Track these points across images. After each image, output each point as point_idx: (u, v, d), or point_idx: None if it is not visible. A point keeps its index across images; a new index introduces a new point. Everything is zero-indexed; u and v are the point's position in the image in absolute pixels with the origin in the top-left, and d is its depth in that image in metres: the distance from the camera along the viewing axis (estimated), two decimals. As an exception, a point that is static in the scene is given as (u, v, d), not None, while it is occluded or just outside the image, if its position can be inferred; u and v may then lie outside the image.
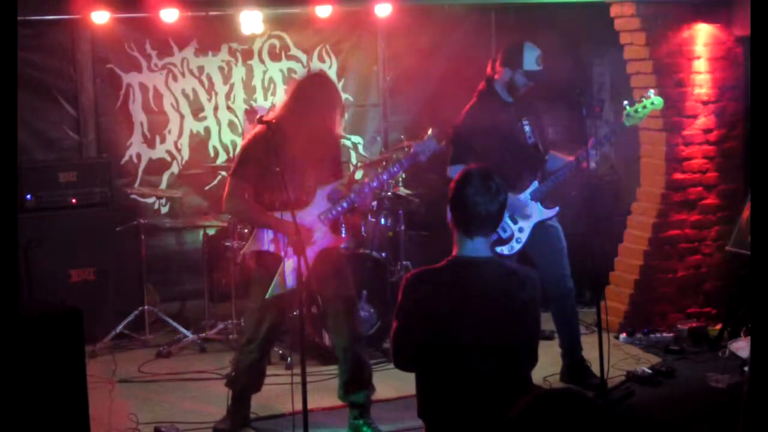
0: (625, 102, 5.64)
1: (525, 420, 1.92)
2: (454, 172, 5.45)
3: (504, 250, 5.52)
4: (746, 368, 5.64)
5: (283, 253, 4.82)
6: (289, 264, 4.82)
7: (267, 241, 4.90)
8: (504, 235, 5.52)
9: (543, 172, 5.63)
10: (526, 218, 5.56)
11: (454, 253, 3.44)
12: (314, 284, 4.65)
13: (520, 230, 5.56)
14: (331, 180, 5.00)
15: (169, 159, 7.39)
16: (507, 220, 5.53)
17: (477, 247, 3.39)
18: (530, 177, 5.59)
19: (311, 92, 4.94)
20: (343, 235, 5.20)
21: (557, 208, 5.65)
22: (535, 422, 1.91)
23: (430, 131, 5.00)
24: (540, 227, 5.60)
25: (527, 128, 5.63)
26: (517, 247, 5.55)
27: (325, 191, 4.95)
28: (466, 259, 3.40)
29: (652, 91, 5.71)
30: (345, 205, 4.95)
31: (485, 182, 3.37)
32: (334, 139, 5.11)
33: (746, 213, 6.46)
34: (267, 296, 4.87)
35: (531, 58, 5.50)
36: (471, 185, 3.36)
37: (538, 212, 5.60)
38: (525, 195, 5.56)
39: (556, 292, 5.71)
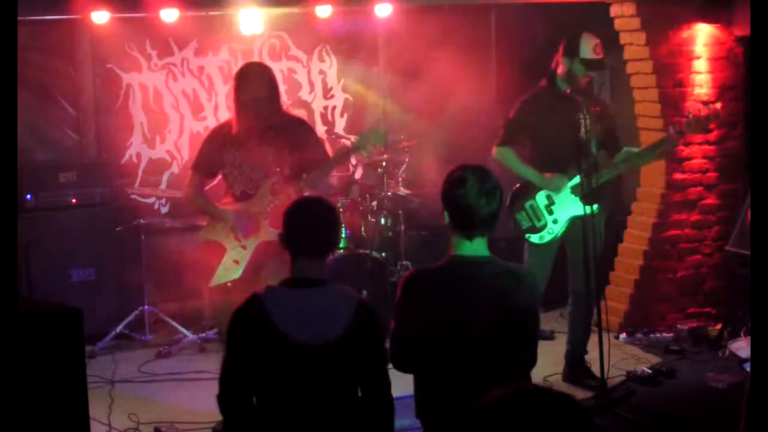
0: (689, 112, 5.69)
1: (500, 410, 1.90)
2: (499, 153, 5.61)
3: (533, 238, 5.53)
4: (746, 365, 5.65)
5: (224, 244, 5.04)
6: (231, 255, 4.94)
7: (213, 230, 5.14)
8: (537, 224, 5.54)
9: (591, 169, 5.51)
10: (562, 211, 5.54)
11: (451, 252, 3.43)
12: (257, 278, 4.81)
13: (554, 222, 5.56)
14: (305, 168, 5.10)
15: (169, 159, 7.39)
16: (543, 209, 5.55)
17: (476, 247, 3.39)
18: (576, 171, 5.54)
19: (233, 84, 5.19)
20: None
21: (596, 206, 5.52)
22: (508, 416, 1.89)
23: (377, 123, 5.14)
24: (579, 222, 5.52)
25: (584, 122, 5.58)
26: (547, 237, 5.55)
27: (269, 185, 5.04)
28: (463, 259, 3.39)
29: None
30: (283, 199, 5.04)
31: (482, 183, 3.35)
32: (284, 127, 5.15)
33: (747, 213, 6.46)
34: (211, 284, 5.09)
35: (588, 47, 5.53)
36: (469, 188, 3.34)
37: (576, 207, 5.56)
38: (566, 187, 5.54)
39: (577, 289, 5.69)
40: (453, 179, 3.39)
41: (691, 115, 5.56)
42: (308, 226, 3.35)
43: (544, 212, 5.57)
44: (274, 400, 3.24)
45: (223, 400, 3.28)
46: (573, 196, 5.55)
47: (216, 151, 5.13)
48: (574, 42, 5.57)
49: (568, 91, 5.60)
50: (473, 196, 3.32)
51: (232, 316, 3.30)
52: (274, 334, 3.17)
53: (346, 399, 3.27)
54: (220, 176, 5.34)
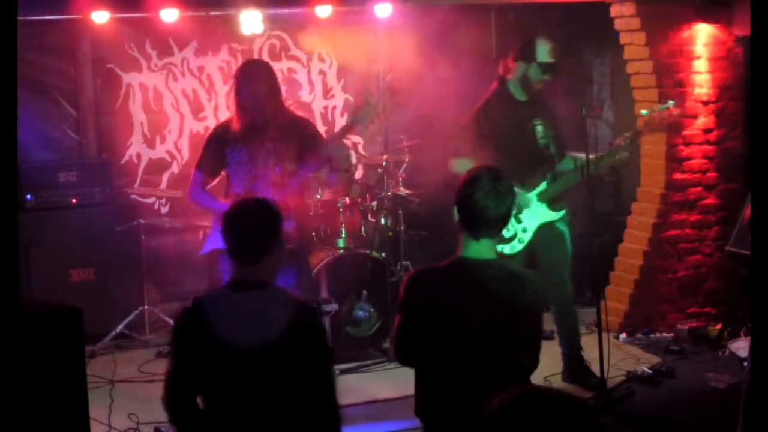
0: (643, 111, 5.67)
1: (509, 415, 1.90)
2: (459, 165, 5.49)
3: (505, 249, 5.51)
4: (746, 363, 5.64)
5: None
6: None
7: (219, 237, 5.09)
8: (506, 234, 5.51)
9: (553, 174, 5.59)
10: (530, 218, 5.55)
11: (458, 253, 3.43)
12: None
13: (524, 230, 5.55)
14: (308, 164, 5.08)
15: (169, 159, 7.39)
16: (512, 219, 5.52)
17: (482, 248, 3.39)
18: (539, 178, 5.58)
19: (234, 82, 5.20)
20: (290, 222, 5.21)
21: (563, 211, 5.62)
22: (519, 419, 1.89)
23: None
24: (545, 229, 5.58)
25: (539, 128, 5.61)
26: (518, 247, 5.54)
27: (272, 180, 5.02)
28: (469, 260, 3.40)
29: (671, 102, 5.72)
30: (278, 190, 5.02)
31: (494, 184, 3.36)
32: (286, 124, 5.14)
33: (746, 213, 6.46)
34: None
35: (544, 51, 5.56)
36: (480, 188, 3.35)
37: (544, 214, 5.59)
38: (531, 195, 5.55)
39: (555, 297, 5.71)
40: (467, 177, 3.41)
41: (646, 115, 5.57)
42: (242, 229, 3.32)
43: (513, 222, 5.54)
44: (217, 403, 3.25)
45: (166, 401, 3.31)
46: (539, 203, 5.56)
47: (218, 150, 5.14)
48: (530, 46, 5.58)
49: (524, 99, 5.61)
50: (483, 196, 3.34)
51: (175, 320, 3.34)
52: (211, 337, 3.18)
53: (289, 402, 3.25)
54: (220, 176, 5.34)
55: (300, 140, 5.14)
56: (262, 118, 5.04)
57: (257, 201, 3.47)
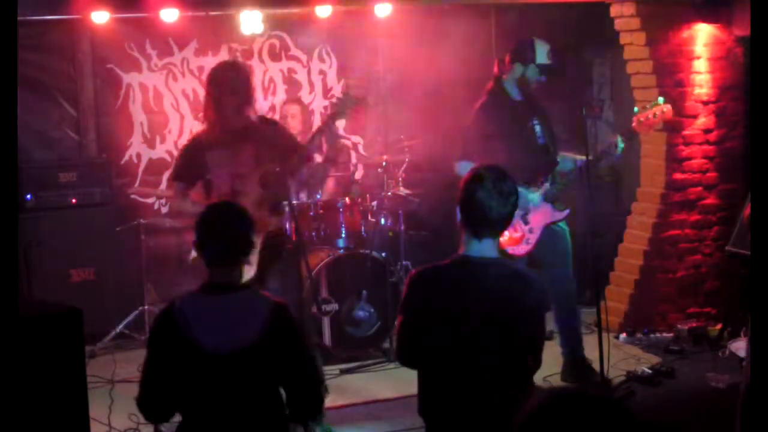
0: (635, 109, 5.66)
1: (542, 419, 1.88)
2: (463, 168, 5.49)
3: (515, 250, 5.53)
4: (744, 363, 5.65)
5: None
6: None
7: None
8: (514, 236, 5.53)
9: (555, 174, 5.61)
10: (537, 219, 5.56)
11: (460, 252, 3.43)
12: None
13: (531, 231, 5.56)
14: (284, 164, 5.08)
15: (169, 159, 7.38)
16: (519, 220, 5.53)
17: (484, 247, 3.39)
18: (542, 178, 5.59)
19: (207, 87, 5.12)
20: (284, 215, 5.16)
21: (568, 210, 5.64)
22: (554, 422, 1.87)
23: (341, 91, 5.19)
24: (548, 228, 5.60)
25: (537, 128, 5.64)
26: (526, 248, 5.55)
27: (258, 177, 4.98)
28: (471, 259, 3.39)
29: (661, 99, 5.71)
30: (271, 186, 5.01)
31: (497, 184, 3.35)
32: (260, 124, 5.14)
33: (746, 213, 6.46)
34: None
35: (542, 53, 5.59)
36: (483, 188, 3.34)
37: (550, 214, 5.60)
38: (537, 195, 5.55)
39: (558, 293, 5.71)
40: (471, 176, 3.40)
41: (637, 114, 5.57)
42: (216, 235, 3.34)
43: (520, 223, 5.55)
44: (192, 406, 3.26)
45: (141, 404, 3.33)
46: (546, 203, 5.57)
47: (197, 156, 5.04)
48: (528, 48, 5.62)
49: (521, 99, 5.61)
50: (487, 196, 3.33)
51: (152, 322, 3.36)
52: (188, 340, 3.19)
53: (266, 403, 3.27)
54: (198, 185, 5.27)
55: (278, 141, 5.10)
56: (239, 118, 4.99)
57: (230, 205, 3.51)
